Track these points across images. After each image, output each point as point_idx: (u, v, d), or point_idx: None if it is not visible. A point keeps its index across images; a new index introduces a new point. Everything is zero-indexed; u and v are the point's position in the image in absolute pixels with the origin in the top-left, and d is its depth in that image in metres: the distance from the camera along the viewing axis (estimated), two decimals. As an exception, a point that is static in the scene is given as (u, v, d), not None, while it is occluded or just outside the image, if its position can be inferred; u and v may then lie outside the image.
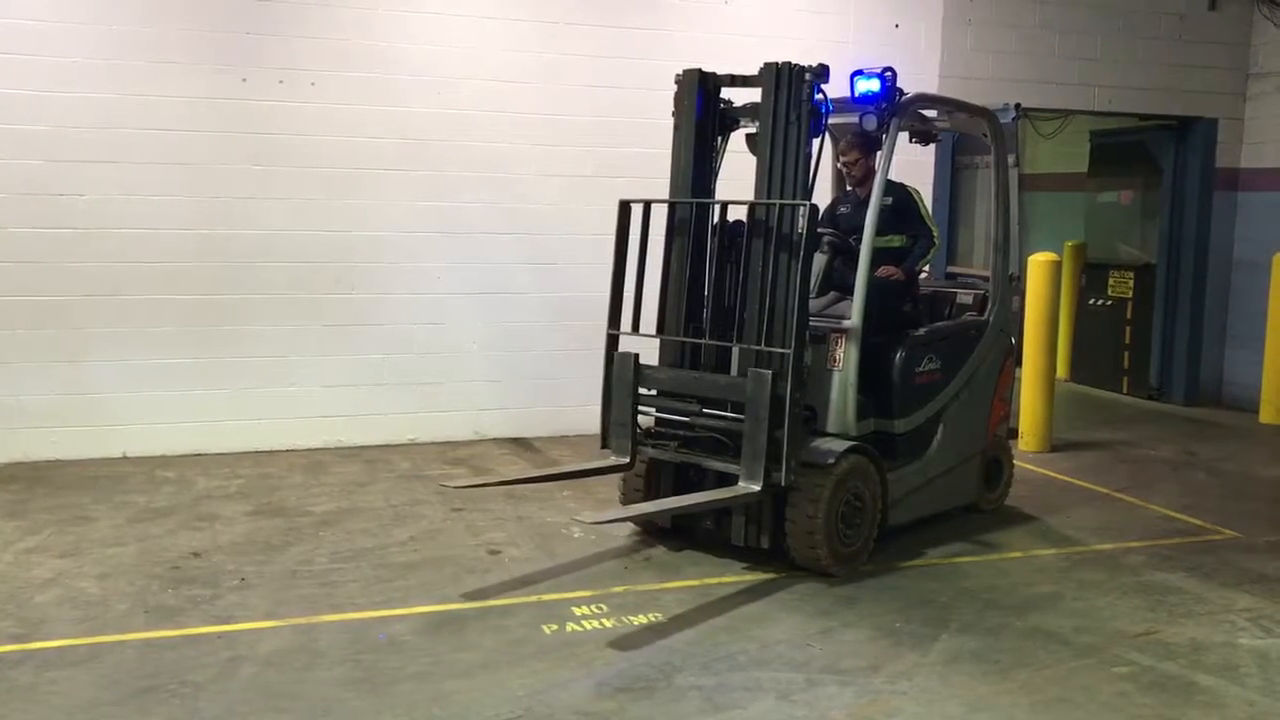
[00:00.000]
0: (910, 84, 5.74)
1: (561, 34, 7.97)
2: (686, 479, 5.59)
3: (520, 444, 7.94)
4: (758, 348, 5.29)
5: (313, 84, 7.46)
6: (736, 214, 5.56)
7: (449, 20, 7.73)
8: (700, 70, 5.63)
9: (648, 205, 5.66)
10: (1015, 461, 6.79)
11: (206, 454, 7.38)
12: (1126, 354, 10.65)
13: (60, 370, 7.14)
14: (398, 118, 7.66)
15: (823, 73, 5.25)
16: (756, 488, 5.17)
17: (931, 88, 8.36)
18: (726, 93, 5.74)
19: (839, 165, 6.41)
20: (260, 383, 7.54)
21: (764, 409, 5.13)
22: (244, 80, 7.33)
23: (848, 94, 5.49)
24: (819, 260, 5.91)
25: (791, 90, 5.28)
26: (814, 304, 5.73)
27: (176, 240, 7.29)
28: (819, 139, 5.35)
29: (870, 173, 6.01)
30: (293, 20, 7.42)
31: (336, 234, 7.62)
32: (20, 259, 7.00)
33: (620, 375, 5.58)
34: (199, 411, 7.41)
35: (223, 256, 7.39)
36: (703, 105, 5.62)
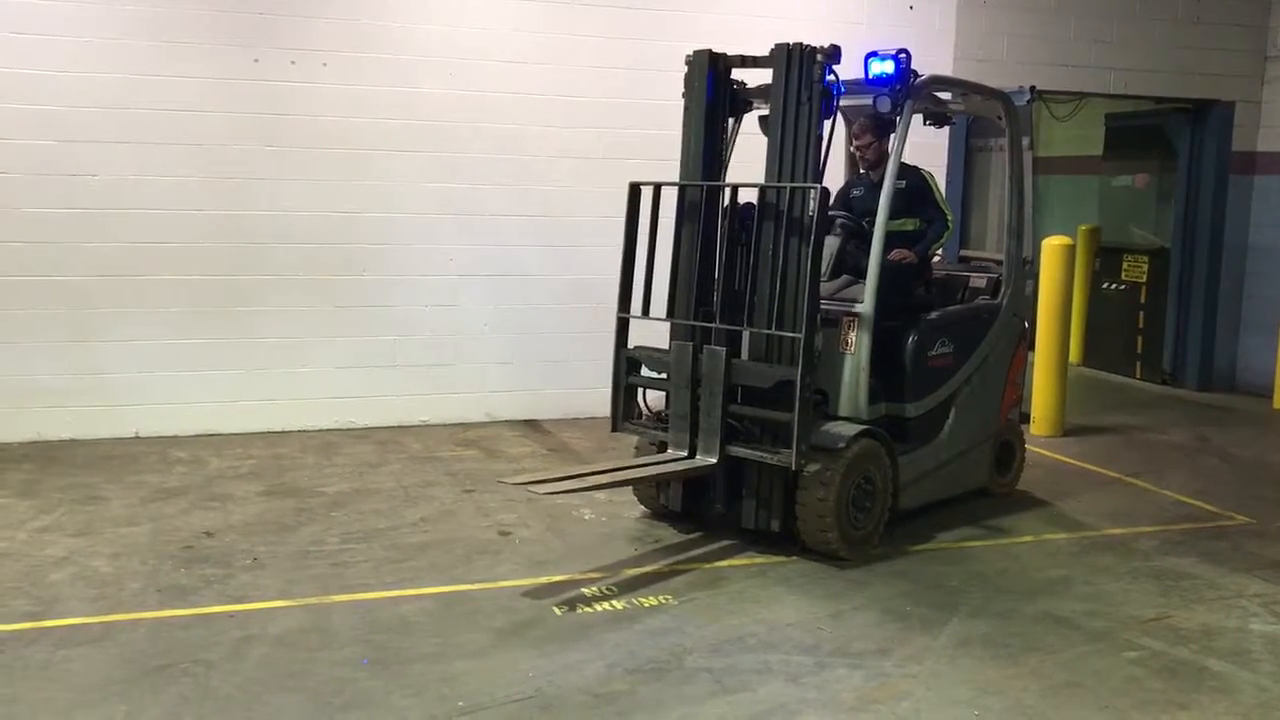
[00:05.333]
0: (924, 66, 5.70)
1: (574, 15, 7.93)
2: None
3: (531, 426, 7.95)
4: (768, 331, 5.28)
5: (325, 64, 7.45)
6: (747, 196, 5.53)
7: (462, 1, 7.71)
8: (710, 51, 5.57)
9: (658, 188, 5.62)
10: (1027, 446, 6.76)
11: (219, 434, 7.41)
12: (1140, 338, 10.61)
13: (73, 350, 7.17)
14: (410, 99, 7.64)
15: (834, 54, 5.19)
16: (713, 460, 5.28)
17: (946, 70, 8.32)
18: (739, 74, 5.69)
19: (852, 149, 6.37)
20: (272, 364, 7.56)
21: (718, 384, 5.26)
22: (256, 60, 7.32)
23: (861, 76, 5.46)
24: (832, 243, 5.88)
25: (803, 71, 5.24)
26: (826, 287, 5.70)
27: (189, 221, 7.30)
28: (830, 120, 5.31)
29: (883, 156, 5.98)
30: (305, 0, 7.40)
31: (348, 215, 7.62)
32: (33, 239, 7.02)
33: (678, 366, 5.50)
34: (211, 392, 7.44)
35: (235, 237, 7.40)
36: (713, 86, 5.57)
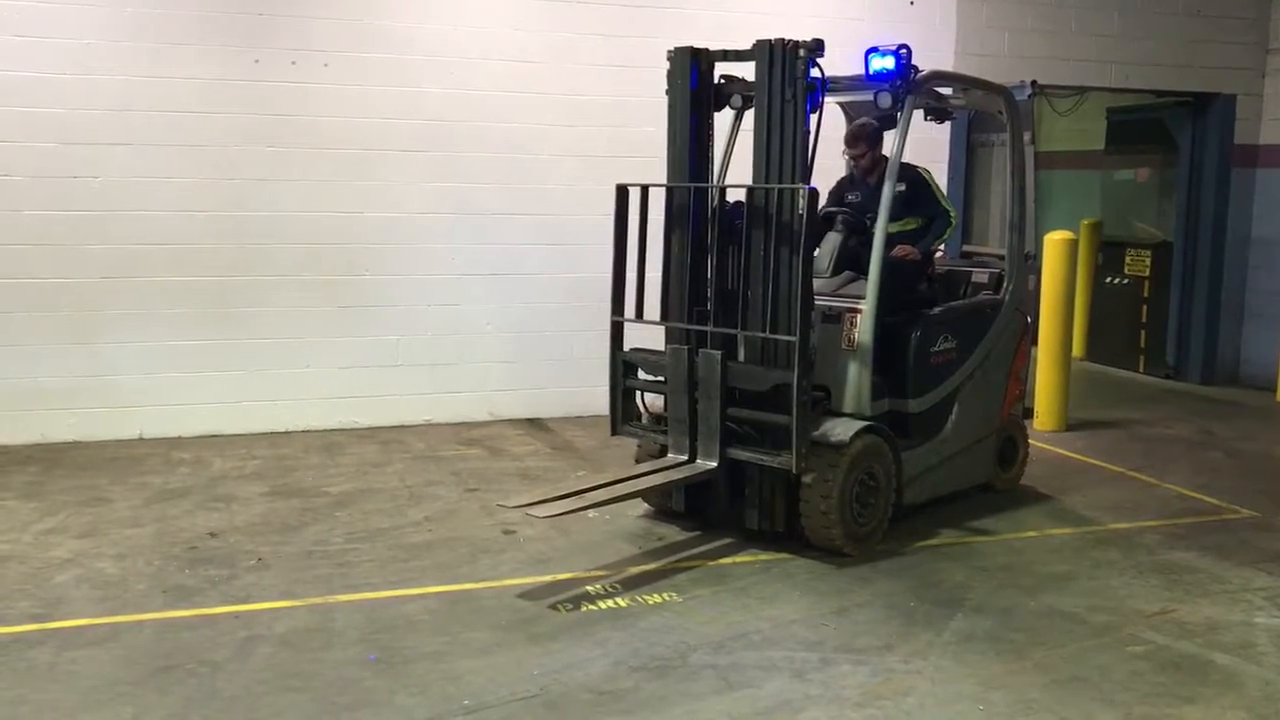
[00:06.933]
0: (925, 61, 5.69)
1: (575, 13, 7.93)
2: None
3: (535, 424, 7.96)
4: (763, 335, 5.26)
5: (326, 65, 7.45)
6: (738, 195, 5.47)
7: (462, 0, 7.71)
8: (692, 47, 5.49)
9: (645, 190, 5.57)
10: (1030, 441, 6.77)
11: (222, 435, 7.42)
12: (1143, 332, 10.60)
13: (76, 352, 7.18)
14: (411, 99, 7.64)
15: (817, 47, 5.10)
16: (713, 464, 5.28)
17: (947, 65, 8.31)
18: (738, 69, 5.64)
19: (844, 156, 6.34)
20: (275, 364, 7.57)
21: (715, 388, 5.24)
22: (256, 61, 7.32)
23: (862, 72, 5.44)
24: (834, 239, 5.87)
25: (785, 67, 5.14)
26: (829, 283, 5.70)
27: (190, 222, 7.30)
28: (817, 115, 5.22)
29: (877, 164, 5.98)
30: (305, 1, 7.40)
31: (350, 215, 7.62)
32: (35, 241, 7.03)
33: (675, 369, 5.47)
34: (214, 393, 7.44)
35: (237, 238, 7.41)
36: (697, 83, 5.47)
